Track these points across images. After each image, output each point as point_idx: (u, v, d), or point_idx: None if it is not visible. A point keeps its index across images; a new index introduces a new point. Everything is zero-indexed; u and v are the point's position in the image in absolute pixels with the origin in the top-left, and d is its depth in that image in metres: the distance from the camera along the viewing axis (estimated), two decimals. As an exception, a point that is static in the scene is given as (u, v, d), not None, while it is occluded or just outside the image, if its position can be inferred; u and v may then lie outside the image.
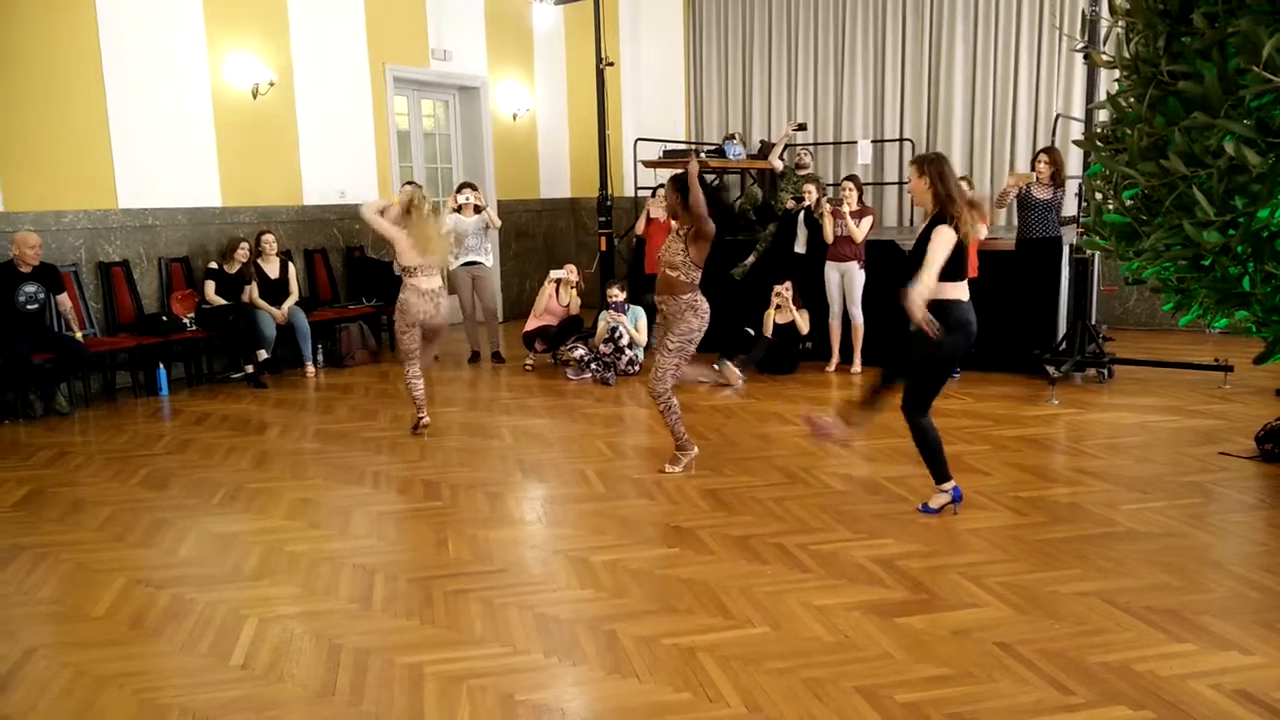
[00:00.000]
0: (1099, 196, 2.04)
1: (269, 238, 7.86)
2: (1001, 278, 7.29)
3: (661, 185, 8.87)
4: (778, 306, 7.64)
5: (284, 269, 7.99)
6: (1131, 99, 1.83)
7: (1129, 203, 1.87)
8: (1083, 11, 4.79)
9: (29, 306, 6.46)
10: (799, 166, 9.06)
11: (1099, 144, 1.96)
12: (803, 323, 7.59)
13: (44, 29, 6.85)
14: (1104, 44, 2.12)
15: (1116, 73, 1.99)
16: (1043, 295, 7.36)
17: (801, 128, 9.77)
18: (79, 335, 6.79)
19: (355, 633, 3.30)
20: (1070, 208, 8.47)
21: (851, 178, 7.70)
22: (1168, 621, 3.24)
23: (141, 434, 6.17)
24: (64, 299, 6.73)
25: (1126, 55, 1.85)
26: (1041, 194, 7.00)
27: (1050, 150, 7.16)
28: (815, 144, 10.75)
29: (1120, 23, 1.87)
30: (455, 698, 2.85)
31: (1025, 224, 7.14)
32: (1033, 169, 7.15)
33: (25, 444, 5.95)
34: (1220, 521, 4.22)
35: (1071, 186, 8.34)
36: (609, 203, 9.04)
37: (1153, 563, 3.75)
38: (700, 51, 11.99)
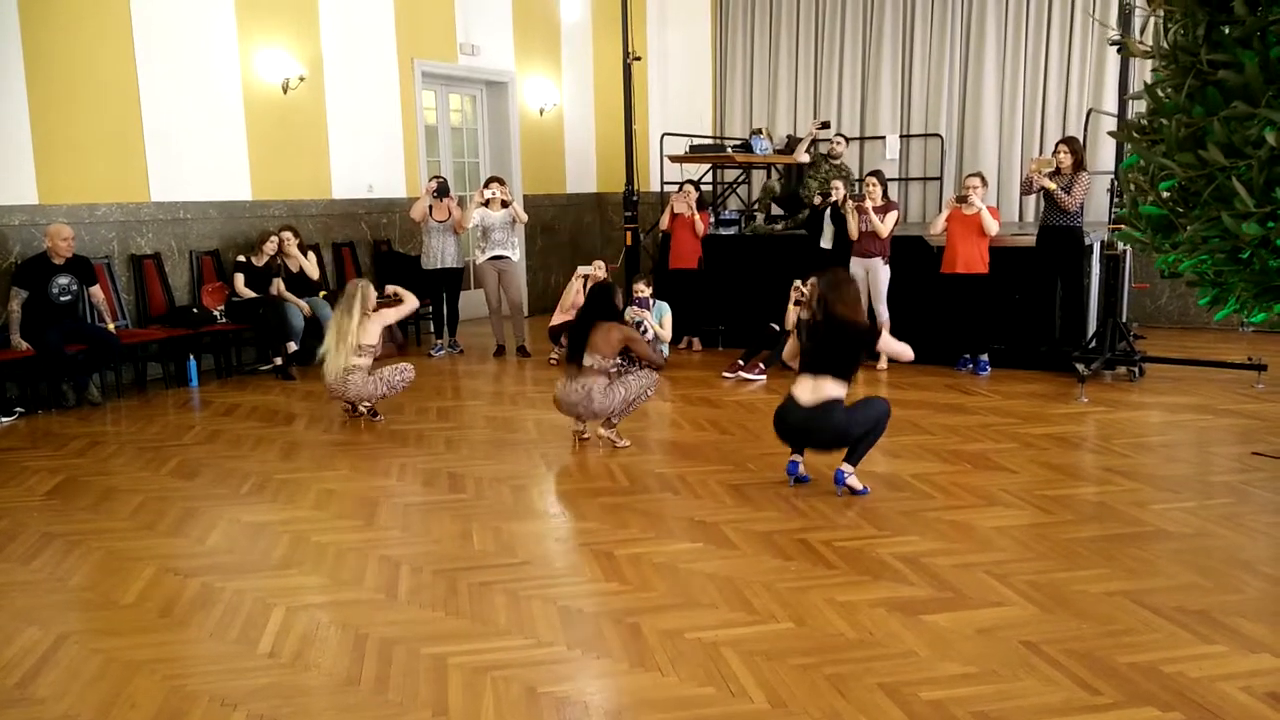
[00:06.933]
0: (1134, 189, 2.01)
1: (287, 235, 7.88)
2: (1023, 272, 7.25)
3: (689, 180, 8.86)
4: (797, 302, 7.60)
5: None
6: (1169, 89, 1.80)
7: (1166, 194, 1.84)
8: (1120, 1, 4.73)
9: (62, 298, 6.54)
10: (831, 156, 9.01)
11: (1135, 135, 1.93)
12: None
13: (78, 24, 6.93)
14: (1140, 34, 2.09)
15: (1151, 64, 1.96)
16: (1068, 290, 7.30)
17: (825, 126, 9.72)
18: (111, 327, 6.87)
19: (381, 623, 3.32)
20: (1100, 200, 8.40)
21: (875, 173, 7.68)
22: (1197, 622, 3.19)
23: (172, 424, 6.25)
24: (97, 291, 6.82)
25: (1164, 45, 1.82)
26: (1061, 183, 6.96)
27: (1069, 140, 7.15)
28: (841, 139, 10.68)
29: (1158, 11, 1.84)
30: (479, 689, 2.86)
31: (1047, 212, 7.17)
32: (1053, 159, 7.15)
33: (58, 434, 6.03)
34: (1252, 522, 4.15)
35: (1103, 181, 8.26)
36: (635, 198, 9.04)
37: (1182, 563, 3.70)
38: (727, 45, 11.95)
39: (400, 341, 8.64)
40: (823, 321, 4.55)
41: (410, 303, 6.46)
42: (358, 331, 5.93)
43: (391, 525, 4.34)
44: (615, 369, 5.41)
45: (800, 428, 4.53)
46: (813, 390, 4.46)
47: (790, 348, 4.83)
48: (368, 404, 6.13)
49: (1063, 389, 6.70)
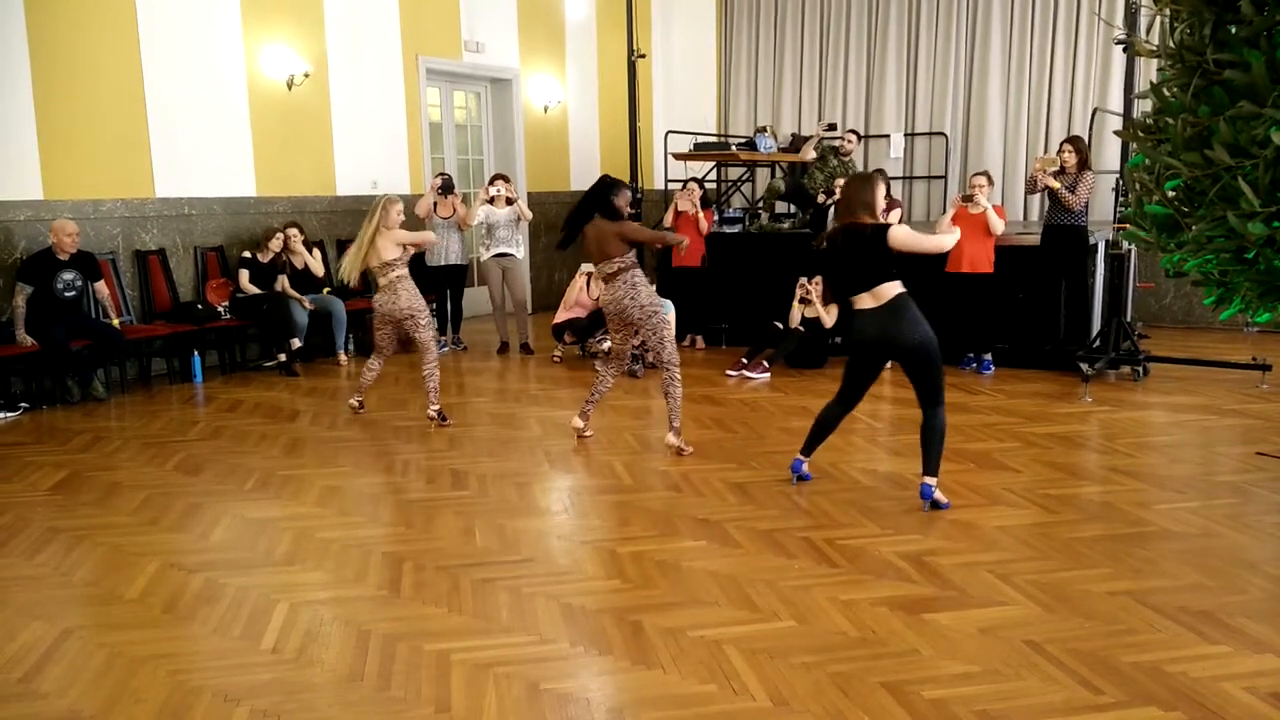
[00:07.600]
0: (1139, 188, 2.01)
1: (293, 231, 7.89)
2: (1028, 271, 7.24)
3: (693, 178, 8.86)
4: (803, 300, 7.61)
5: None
6: (1175, 88, 1.79)
7: (1171, 194, 1.83)
8: (1125, 0, 4.72)
9: (67, 294, 6.56)
10: (840, 152, 9.00)
11: (1141, 134, 1.92)
12: (827, 318, 7.55)
13: (83, 19, 6.94)
14: (1146, 33, 2.08)
15: (1157, 63, 1.95)
16: (1072, 289, 7.29)
17: (831, 128, 9.72)
18: (116, 322, 6.89)
19: (384, 619, 3.33)
20: (1104, 199, 8.39)
21: (878, 171, 7.67)
22: (1201, 622, 3.19)
23: (176, 420, 6.26)
24: (101, 286, 6.83)
25: (1170, 44, 1.81)
26: (1066, 182, 6.95)
27: (1074, 139, 7.14)
28: (852, 135, 10.68)
29: (1164, 10, 1.84)
30: (482, 685, 2.87)
31: (1052, 211, 7.16)
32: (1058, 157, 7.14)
33: (63, 429, 6.05)
34: (1256, 522, 4.15)
35: (1108, 180, 8.24)
36: (639, 195, 9.03)
37: (1186, 563, 3.70)
38: (732, 43, 11.95)
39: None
40: (840, 234, 4.35)
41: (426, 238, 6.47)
42: (370, 243, 5.84)
43: (394, 522, 4.34)
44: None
45: (880, 337, 4.24)
46: (874, 297, 4.24)
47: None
48: (436, 407, 5.95)
49: (1067, 388, 6.69)
